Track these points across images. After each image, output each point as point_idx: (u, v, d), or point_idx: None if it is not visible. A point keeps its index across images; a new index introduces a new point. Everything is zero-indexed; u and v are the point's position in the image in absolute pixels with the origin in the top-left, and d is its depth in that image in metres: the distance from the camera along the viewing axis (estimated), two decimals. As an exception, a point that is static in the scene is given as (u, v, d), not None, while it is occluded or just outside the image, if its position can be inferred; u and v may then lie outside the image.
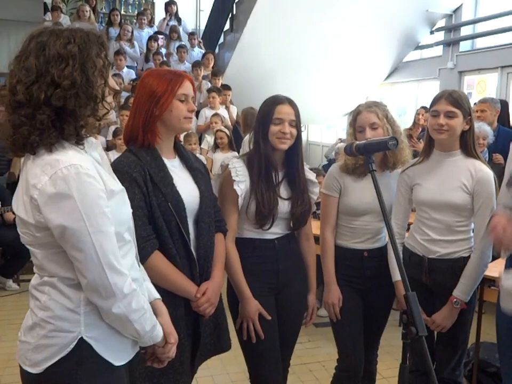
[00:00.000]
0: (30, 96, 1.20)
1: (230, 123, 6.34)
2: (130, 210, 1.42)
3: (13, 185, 4.92)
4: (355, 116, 2.24)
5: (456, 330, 2.15)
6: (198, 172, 1.86)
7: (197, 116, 6.67)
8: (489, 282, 2.74)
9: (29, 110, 1.21)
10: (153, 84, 1.72)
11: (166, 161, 1.76)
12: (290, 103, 2.04)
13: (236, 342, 2.05)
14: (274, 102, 2.03)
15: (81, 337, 1.26)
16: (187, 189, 1.77)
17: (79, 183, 1.19)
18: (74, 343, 1.25)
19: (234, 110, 6.70)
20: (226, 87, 6.68)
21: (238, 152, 5.48)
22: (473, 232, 2.16)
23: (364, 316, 2.31)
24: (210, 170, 5.58)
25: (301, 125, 2.10)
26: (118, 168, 1.66)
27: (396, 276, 2.17)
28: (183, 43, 8.07)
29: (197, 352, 1.81)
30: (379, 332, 2.42)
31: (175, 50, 7.81)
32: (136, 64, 7.77)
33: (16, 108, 1.22)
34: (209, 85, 6.88)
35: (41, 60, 1.21)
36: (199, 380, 3.02)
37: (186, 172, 1.84)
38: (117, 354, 1.32)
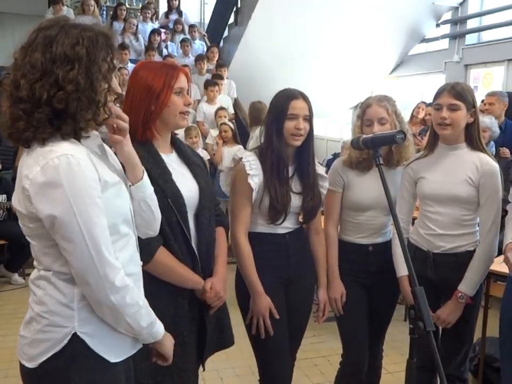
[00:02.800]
0: (33, 94, 1.18)
1: (232, 110, 6.40)
2: (129, 203, 1.39)
3: (18, 179, 4.92)
4: (364, 108, 2.21)
5: (461, 325, 2.13)
6: (196, 166, 1.84)
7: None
8: (495, 276, 2.72)
9: (28, 105, 1.19)
10: (149, 78, 1.68)
11: (163, 156, 1.73)
12: (304, 97, 2.01)
13: (241, 336, 2.04)
14: (288, 97, 2.00)
15: (75, 333, 1.25)
16: (186, 184, 1.75)
17: (69, 172, 1.17)
18: (68, 338, 1.24)
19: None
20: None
21: (244, 146, 5.45)
22: (478, 226, 2.14)
23: (369, 311, 2.31)
24: (218, 165, 5.57)
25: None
26: None
27: (400, 271, 2.16)
28: (187, 36, 8.05)
29: (204, 348, 1.81)
30: (384, 326, 2.42)
31: (179, 44, 7.79)
32: (140, 58, 7.75)
33: (16, 102, 1.20)
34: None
35: (47, 57, 1.19)
36: (204, 374, 3.02)
37: (184, 166, 1.82)
38: (113, 351, 1.30)
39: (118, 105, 1.34)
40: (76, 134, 1.24)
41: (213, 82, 6.37)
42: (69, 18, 1.28)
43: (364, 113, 2.21)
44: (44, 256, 1.26)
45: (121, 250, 1.30)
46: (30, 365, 1.27)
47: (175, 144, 1.84)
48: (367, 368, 2.29)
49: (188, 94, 1.75)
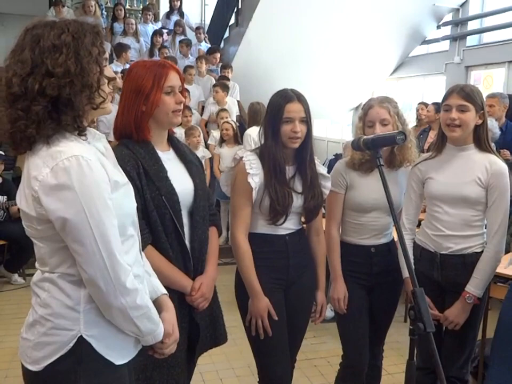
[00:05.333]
0: (25, 88, 1.18)
1: (238, 114, 6.37)
2: (135, 204, 1.39)
3: (19, 179, 4.92)
4: (366, 110, 2.20)
5: (465, 327, 2.12)
6: (193, 165, 1.86)
7: (202, 111, 6.67)
8: (496, 278, 2.72)
9: (25, 103, 1.18)
10: (139, 77, 1.70)
11: (160, 153, 1.75)
12: (299, 99, 1.99)
13: (240, 337, 2.04)
14: (283, 99, 1.98)
15: (81, 336, 1.24)
16: (181, 182, 1.77)
17: (80, 174, 1.16)
18: (74, 341, 1.24)
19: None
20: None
21: (245, 147, 5.46)
22: (486, 227, 2.13)
23: (370, 312, 2.30)
24: (218, 166, 5.57)
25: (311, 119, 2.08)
26: None
27: (406, 272, 2.14)
28: (186, 37, 8.02)
29: (196, 345, 1.81)
30: (385, 327, 2.41)
31: (178, 44, 7.78)
32: (140, 58, 7.74)
33: (12, 102, 1.20)
34: (213, 80, 6.88)
35: (36, 52, 1.19)
36: (204, 374, 3.02)
37: (180, 164, 1.83)
38: (118, 353, 1.30)
39: (111, 88, 1.33)
40: (79, 126, 1.23)
41: (220, 84, 6.36)
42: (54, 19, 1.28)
43: (365, 114, 2.20)
44: (51, 258, 1.25)
45: (128, 252, 1.30)
46: (34, 368, 1.26)
47: (172, 142, 1.86)
48: (366, 369, 2.29)
49: (182, 92, 1.76)
